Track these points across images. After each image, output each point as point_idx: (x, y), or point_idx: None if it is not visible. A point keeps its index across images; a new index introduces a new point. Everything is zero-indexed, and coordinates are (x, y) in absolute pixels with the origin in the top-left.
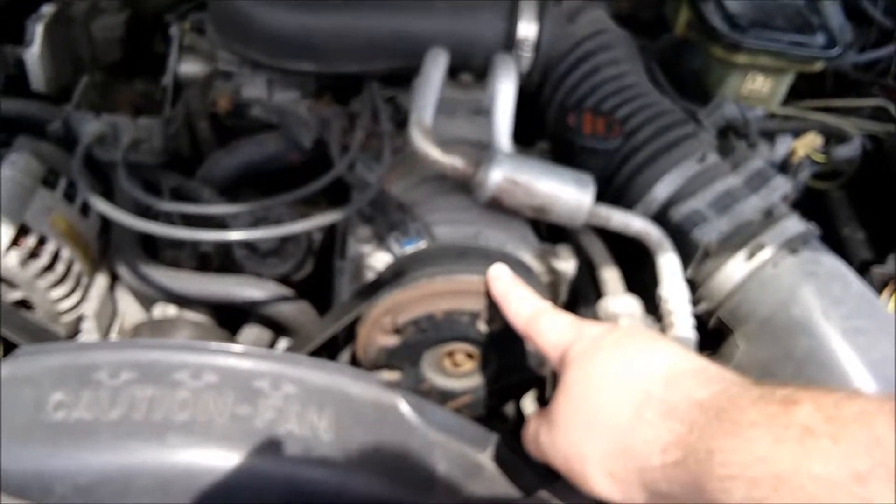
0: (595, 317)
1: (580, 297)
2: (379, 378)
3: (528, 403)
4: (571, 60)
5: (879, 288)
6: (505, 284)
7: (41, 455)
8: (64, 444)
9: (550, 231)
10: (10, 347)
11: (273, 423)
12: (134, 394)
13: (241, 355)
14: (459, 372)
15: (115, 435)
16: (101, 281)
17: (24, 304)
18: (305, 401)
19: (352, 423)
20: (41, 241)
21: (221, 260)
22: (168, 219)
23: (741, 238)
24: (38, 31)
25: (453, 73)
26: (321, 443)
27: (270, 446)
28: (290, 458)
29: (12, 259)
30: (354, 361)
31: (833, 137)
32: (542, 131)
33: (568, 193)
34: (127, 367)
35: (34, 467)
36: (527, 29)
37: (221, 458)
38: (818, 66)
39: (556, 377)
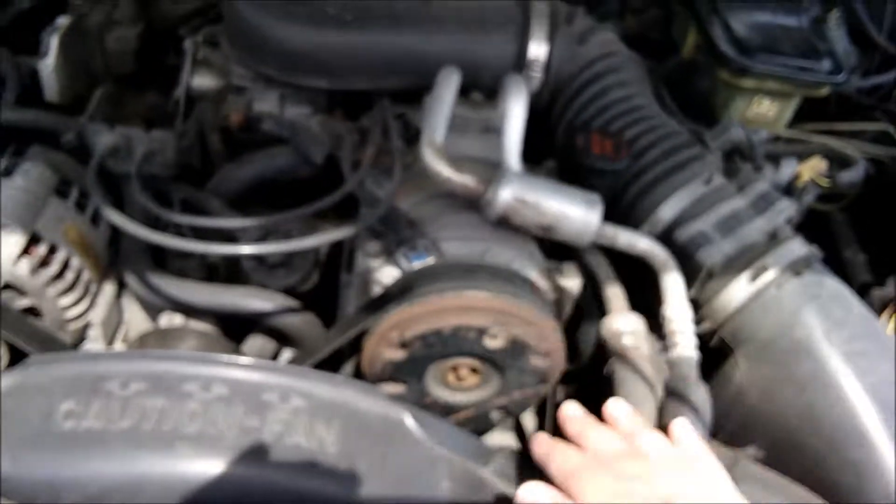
0: (598, 334)
1: (585, 314)
2: (385, 392)
3: (528, 419)
4: (581, 82)
5: (879, 310)
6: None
7: (51, 463)
8: (73, 452)
9: (555, 248)
10: (16, 354)
11: (281, 436)
12: (144, 404)
13: (250, 368)
14: (463, 386)
15: (125, 444)
16: (109, 289)
17: (31, 311)
18: (313, 414)
19: (359, 437)
20: (52, 250)
21: (228, 271)
22: (178, 230)
23: (745, 260)
24: (53, 42)
25: (464, 91)
26: (328, 455)
27: (278, 458)
28: (297, 470)
29: (23, 267)
30: (358, 373)
31: (836, 161)
32: (550, 150)
33: (576, 213)
34: (137, 378)
35: (44, 475)
36: (537, 50)
37: (230, 470)
38: (824, 92)
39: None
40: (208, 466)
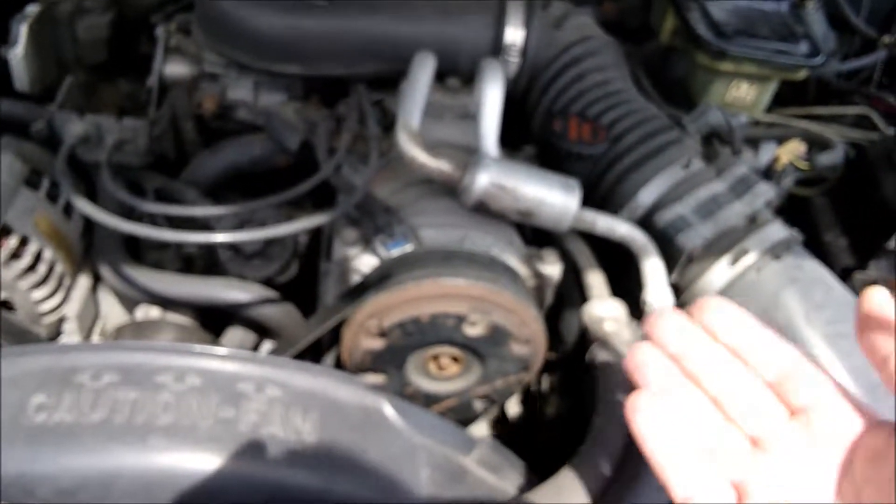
0: (580, 320)
1: (565, 301)
2: (364, 381)
3: (512, 406)
4: (558, 66)
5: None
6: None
7: (22, 457)
8: (45, 446)
9: (535, 234)
10: None
11: (256, 427)
12: (116, 396)
13: (224, 358)
14: (444, 375)
15: (97, 437)
16: (84, 282)
17: (5, 304)
18: (289, 404)
19: (336, 427)
20: (23, 242)
21: (205, 262)
22: (152, 220)
23: (725, 243)
24: (22, 30)
25: (440, 77)
26: (305, 446)
27: (254, 449)
28: (273, 461)
29: None
30: (339, 364)
31: (816, 145)
32: (528, 136)
33: (554, 198)
34: (109, 370)
35: (15, 470)
36: (514, 34)
37: (204, 461)
38: (802, 75)
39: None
40: (182, 458)
